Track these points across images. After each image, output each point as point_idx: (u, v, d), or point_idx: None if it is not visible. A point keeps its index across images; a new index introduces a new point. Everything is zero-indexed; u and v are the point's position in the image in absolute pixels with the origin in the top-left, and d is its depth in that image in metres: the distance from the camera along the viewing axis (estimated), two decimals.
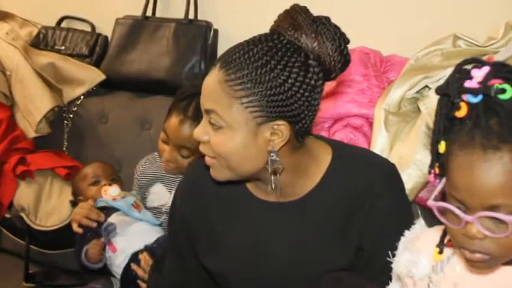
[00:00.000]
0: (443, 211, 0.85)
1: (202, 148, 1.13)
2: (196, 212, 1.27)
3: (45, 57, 2.17)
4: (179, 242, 1.32)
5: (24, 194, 2.03)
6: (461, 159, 0.82)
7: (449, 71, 1.50)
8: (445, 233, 0.95)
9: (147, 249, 1.62)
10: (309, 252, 1.17)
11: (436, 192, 0.88)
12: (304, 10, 1.09)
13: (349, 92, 1.67)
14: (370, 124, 1.64)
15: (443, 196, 0.90)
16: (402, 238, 1.02)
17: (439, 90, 0.88)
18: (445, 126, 0.87)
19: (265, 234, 1.20)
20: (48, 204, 2.02)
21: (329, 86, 1.69)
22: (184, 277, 1.34)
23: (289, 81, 1.03)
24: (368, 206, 1.13)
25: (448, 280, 0.93)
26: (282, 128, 1.06)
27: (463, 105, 0.83)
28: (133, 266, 1.61)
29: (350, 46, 1.11)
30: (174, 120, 1.60)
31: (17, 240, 2.10)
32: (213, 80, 1.07)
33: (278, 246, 1.18)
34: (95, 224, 1.68)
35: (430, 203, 0.86)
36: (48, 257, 2.05)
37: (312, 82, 1.05)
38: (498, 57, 1.52)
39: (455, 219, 0.84)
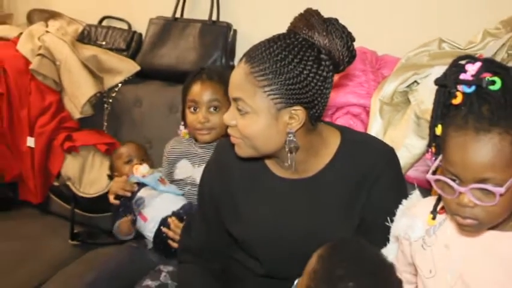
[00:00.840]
0: (440, 183, 0.86)
1: (230, 131, 1.13)
2: (222, 186, 1.26)
3: (88, 51, 2.15)
4: (207, 212, 1.32)
5: (70, 166, 2.03)
6: (456, 140, 0.82)
7: (435, 68, 1.54)
8: (437, 202, 0.96)
9: (175, 214, 1.63)
10: (319, 222, 1.16)
11: (433, 168, 0.89)
12: (317, 13, 1.10)
13: (350, 85, 1.66)
14: (367, 112, 1.63)
15: (436, 171, 0.91)
16: (400, 206, 1.03)
17: (437, 81, 0.88)
18: (442, 112, 0.88)
19: (281, 207, 1.19)
20: (91, 175, 2.02)
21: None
22: (211, 241, 1.34)
23: (305, 72, 1.04)
24: (371, 182, 1.13)
25: (440, 241, 0.95)
26: (299, 112, 1.07)
27: (458, 94, 0.84)
28: (164, 229, 1.61)
29: None
30: (195, 86, 1.63)
31: (64, 204, 2.11)
32: (239, 73, 1.08)
33: (293, 217, 1.18)
34: (129, 194, 1.69)
35: (429, 176, 0.86)
36: (90, 219, 2.05)
37: (324, 73, 1.06)
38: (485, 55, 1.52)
39: (450, 190, 0.84)
